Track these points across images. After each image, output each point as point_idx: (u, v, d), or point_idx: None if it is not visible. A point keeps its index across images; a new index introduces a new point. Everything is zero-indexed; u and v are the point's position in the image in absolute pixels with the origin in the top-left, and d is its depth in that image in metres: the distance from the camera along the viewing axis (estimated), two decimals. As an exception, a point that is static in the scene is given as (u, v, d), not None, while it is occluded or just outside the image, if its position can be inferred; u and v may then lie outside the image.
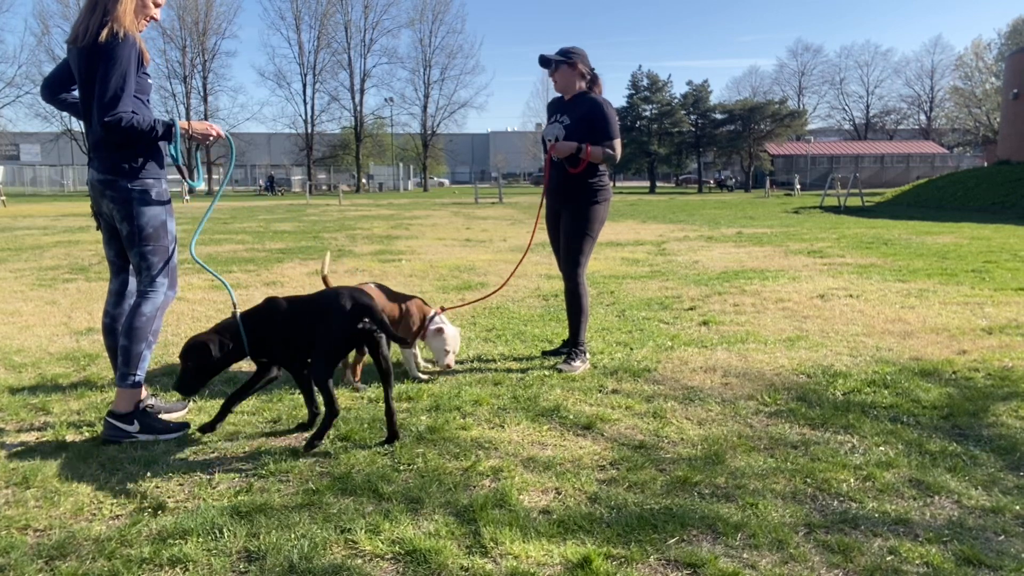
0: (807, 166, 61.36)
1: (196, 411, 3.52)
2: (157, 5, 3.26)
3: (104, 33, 3.01)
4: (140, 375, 3.20)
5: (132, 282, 3.41)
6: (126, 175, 3.15)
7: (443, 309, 4.23)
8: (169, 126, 3.10)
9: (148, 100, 3.26)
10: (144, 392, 3.28)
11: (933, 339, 4.96)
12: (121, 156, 3.15)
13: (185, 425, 3.27)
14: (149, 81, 3.24)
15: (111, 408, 3.16)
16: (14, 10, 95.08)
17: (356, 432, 3.18)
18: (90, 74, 3.06)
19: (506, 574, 2.12)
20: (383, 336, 3.13)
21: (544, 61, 4.34)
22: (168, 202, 3.26)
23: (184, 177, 3.30)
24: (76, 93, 3.29)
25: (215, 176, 56.46)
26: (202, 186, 3.09)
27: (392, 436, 3.12)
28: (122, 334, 3.20)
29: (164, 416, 3.32)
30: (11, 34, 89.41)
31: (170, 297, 3.33)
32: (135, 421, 3.15)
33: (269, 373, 3.33)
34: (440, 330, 4.03)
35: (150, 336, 3.22)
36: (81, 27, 3.09)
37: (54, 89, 3.38)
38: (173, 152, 3.18)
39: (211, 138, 3.24)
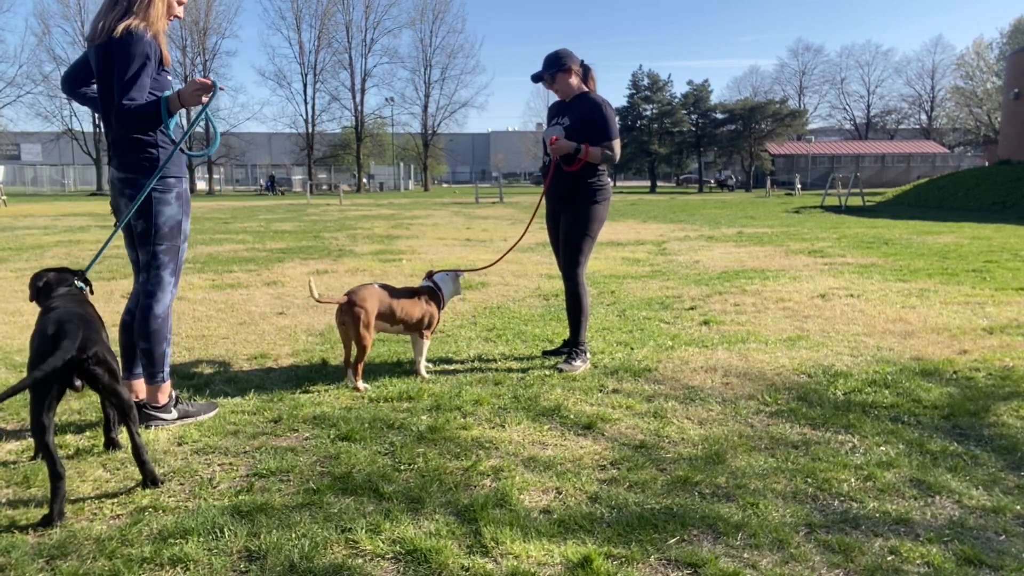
0: (808, 166, 61.32)
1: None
2: (181, 3, 3.28)
3: (120, 29, 3.03)
4: (167, 370, 3.34)
5: None
6: (147, 173, 3.17)
7: (432, 272, 4.32)
8: (158, 102, 3.06)
9: None
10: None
11: (934, 339, 4.96)
12: (142, 154, 3.17)
13: (215, 405, 3.46)
14: (169, 78, 3.26)
15: (147, 401, 3.30)
16: (15, 10, 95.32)
17: (356, 432, 3.18)
18: (107, 70, 3.08)
19: (507, 574, 2.12)
20: (104, 370, 2.52)
21: (537, 78, 4.35)
22: (188, 201, 3.32)
23: (184, 151, 3.28)
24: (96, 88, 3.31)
25: (216, 176, 56.47)
26: (213, 153, 3.06)
27: (148, 479, 2.63)
28: (140, 338, 3.28)
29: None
30: (12, 34, 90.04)
31: (175, 295, 3.41)
32: (172, 410, 3.33)
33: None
34: (443, 282, 4.26)
35: (168, 335, 3.33)
36: (100, 24, 3.11)
37: (73, 84, 3.40)
38: (167, 130, 3.16)
39: (197, 91, 3.05)
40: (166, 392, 3.33)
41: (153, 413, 3.28)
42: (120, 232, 3.34)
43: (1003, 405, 3.59)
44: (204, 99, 3.10)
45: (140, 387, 3.37)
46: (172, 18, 3.27)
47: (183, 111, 3.24)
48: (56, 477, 2.38)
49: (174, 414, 3.32)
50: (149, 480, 2.66)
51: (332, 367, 4.29)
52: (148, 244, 3.26)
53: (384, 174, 64.93)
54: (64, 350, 2.39)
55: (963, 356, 4.50)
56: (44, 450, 2.40)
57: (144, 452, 2.65)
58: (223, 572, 2.12)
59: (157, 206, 3.21)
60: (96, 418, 3.36)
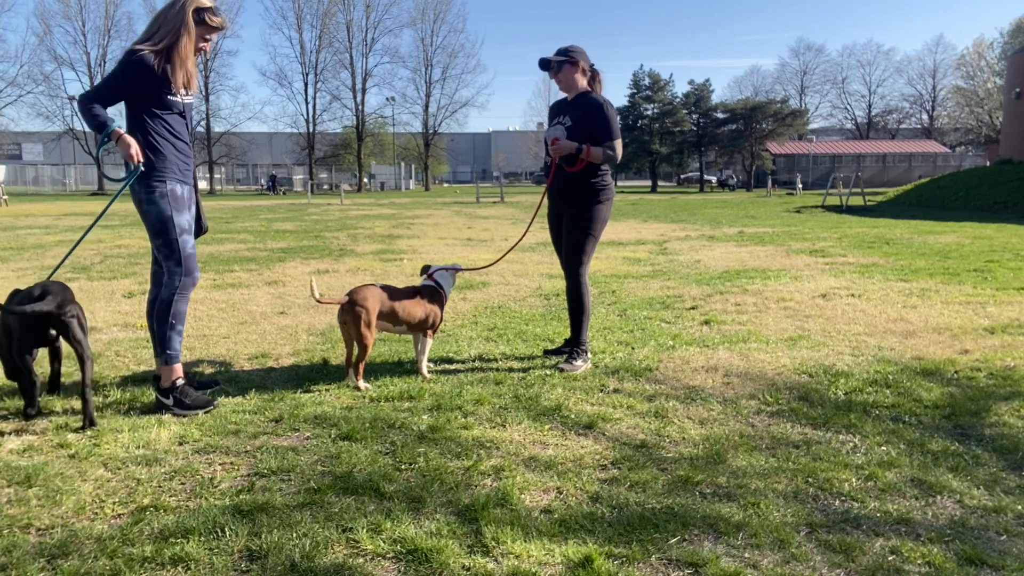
0: (809, 165, 61.24)
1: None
2: (205, 40, 3.56)
3: (129, 47, 3.46)
4: (170, 352, 3.54)
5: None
6: (144, 177, 3.47)
7: (429, 268, 4.34)
8: (103, 126, 3.36)
9: (177, 116, 3.54)
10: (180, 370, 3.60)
11: (935, 339, 4.96)
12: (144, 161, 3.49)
13: (212, 401, 3.56)
14: (184, 100, 3.54)
15: (159, 384, 3.55)
16: (16, 10, 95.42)
17: (357, 431, 3.18)
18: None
19: (507, 573, 2.12)
20: (72, 320, 3.32)
21: (544, 64, 4.35)
22: (177, 198, 3.53)
23: (100, 172, 3.58)
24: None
25: (217, 175, 56.47)
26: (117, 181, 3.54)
27: (88, 422, 3.25)
28: (150, 318, 3.64)
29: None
30: (13, 33, 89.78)
31: (187, 282, 3.60)
32: (170, 396, 3.49)
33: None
34: (443, 278, 4.26)
35: (171, 319, 3.53)
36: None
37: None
38: (98, 150, 3.43)
39: (126, 154, 3.38)
40: (169, 376, 3.52)
41: (158, 396, 3.54)
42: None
43: (1004, 405, 3.59)
44: (131, 161, 3.40)
45: (178, 369, 3.63)
46: (199, 52, 3.57)
47: (193, 121, 3.73)
48: (31, 384, 3.33)
49: (171, 400, 3.50)
50: (88, 421, 3.24)
51: (333, 367, 4.29)
52: (152, 241, 3.59)
53: (385, 174, 64.91)
54: (47, 303, 3.20)
55: (964, 356, 4.50)
56: (27, 371, 3.32)
57: (89, 395, 3.27)
58: (224, 572, 2.12)
59: (146, 206, 3.51)
60: (97, 415, 3.37)
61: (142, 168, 3.43)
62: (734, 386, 3.93)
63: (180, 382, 3.54)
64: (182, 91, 3.52)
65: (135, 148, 3.38)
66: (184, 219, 3.57)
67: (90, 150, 52.77)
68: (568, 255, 4.35)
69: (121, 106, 3.58)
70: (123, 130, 3.41)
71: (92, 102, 3.37)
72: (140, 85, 3.42)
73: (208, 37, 3.56)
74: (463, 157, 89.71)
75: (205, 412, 3.46)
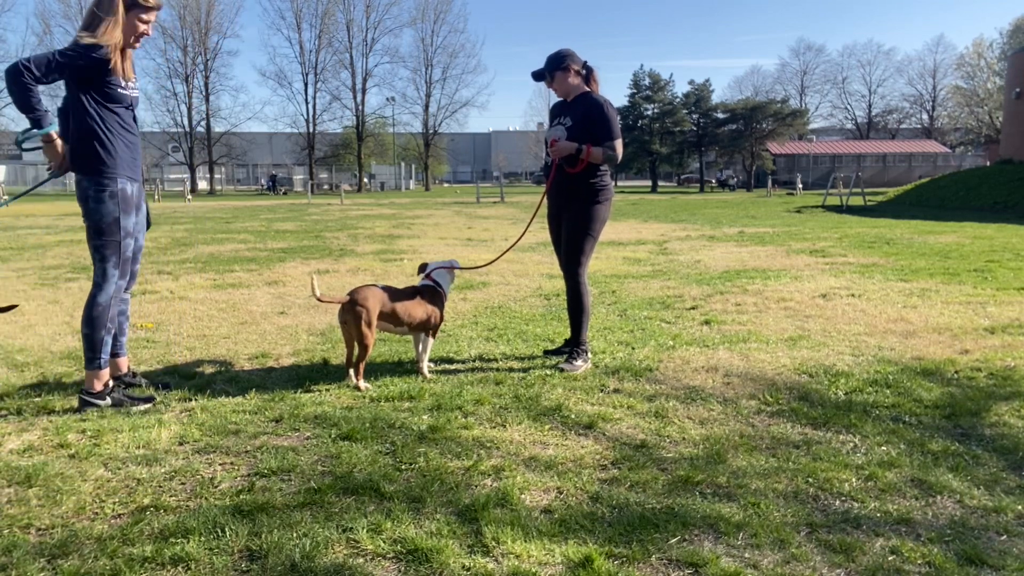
0: (809, 165, 61.24)
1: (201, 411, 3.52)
2: (144, 21, 3.46)
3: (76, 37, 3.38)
4: (105, 357, 3.53)
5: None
6: (88, 174, 3.42)
7: (426, 267, 4.34)
8: (41, 119, 3.26)
9: (126, 109, 3.50)
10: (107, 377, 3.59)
11: (935, 339, 4.96)
12: (85, 158, 3.40)
13: (151, 398, 3.60)
14: (123, 93, 3.46)
15: (84, 387, 3.52)
16: (16, 9, 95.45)
17: (358, 431, 3.18)
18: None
19: (507, 573, 2.12)
20: None
21: (538, 76, 4.38)
22: (127, 199, 3.48)
23: (16, 142, 3.49)
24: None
25: (217, 175, 56.47)
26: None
27: None
28: (83, 324, 3.50)
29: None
30: (13, 33, 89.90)
31: (121, 287, 3.59)
32: (106, 397, 3.52)
33: None
34: (441, 277, 4.25)
35: (108, 324, 3.52)
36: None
37: None
38: (25, 135, 3.33)
39: (55, 163, 3.41)
40: (102, 379, 3.52)
41: (88, 399, 3.48)
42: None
43: (1004, 405, 3.59)
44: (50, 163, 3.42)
45: (123, 363, 3.81)
46: (139, 38, 3.48)
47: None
48: None
49: (108, 401, 3.50)
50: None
51: (333, 367, 4.29)
52: (90, 240, 3.50)
53: (385, 174, 64.94)
54: None
55: (964, 356, 4.50)
56: None
57: None
58: (224, 571, 2.12)
59: (93, 204, 3.44)
60: (98, 416, 3.37)
61: (53, 172, 3.43)
62: (734, 386, 3.93)
63: (111, 383, 3.60)
64: (129, 83, 3.48)
65: (60, 161, 3.39)
66: (131, 222, 3.52)
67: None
68: (567, 255, 4.35)
69: (56, 89, 3.42)
70: (58, 132, 3.36)
71: (37, 82, 3.20)
72: (96, 77, 3.34)
73: (145, 18, 3.46)
74: (463, 157, 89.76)
75: (144, 408, 3.51)
